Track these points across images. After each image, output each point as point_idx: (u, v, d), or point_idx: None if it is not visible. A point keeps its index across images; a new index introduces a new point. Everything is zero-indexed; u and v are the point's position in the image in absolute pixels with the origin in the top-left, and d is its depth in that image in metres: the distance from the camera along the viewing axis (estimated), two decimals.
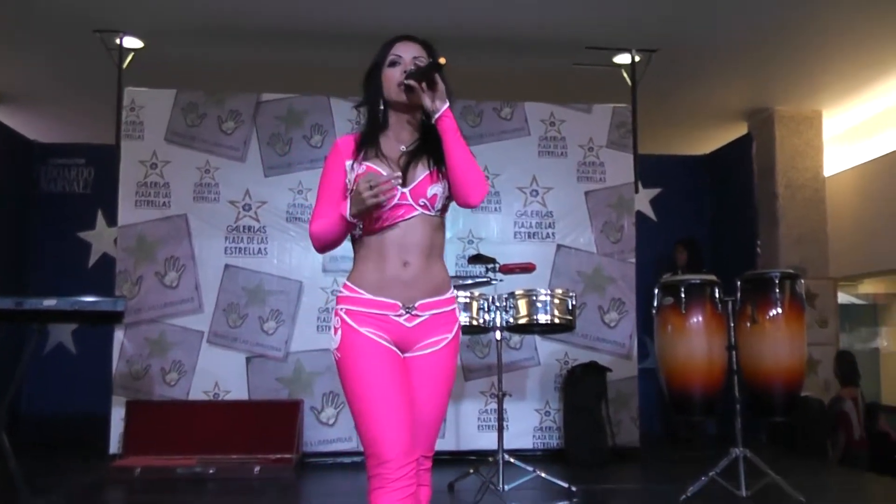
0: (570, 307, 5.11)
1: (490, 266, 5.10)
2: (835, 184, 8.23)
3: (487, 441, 6.11)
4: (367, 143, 2.50)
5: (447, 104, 2.45)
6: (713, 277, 5.04)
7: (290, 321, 6.34)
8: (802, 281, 5.05)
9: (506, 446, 4.95)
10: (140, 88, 6.45)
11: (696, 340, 4.89)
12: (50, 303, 4.45)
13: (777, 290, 4.88)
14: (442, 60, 2.42)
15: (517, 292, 5.05)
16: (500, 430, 4.97)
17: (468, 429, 6.36)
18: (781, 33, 6.35)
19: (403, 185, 2.42)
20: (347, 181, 2.48)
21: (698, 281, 4.96)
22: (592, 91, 7.04)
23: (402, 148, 2.52)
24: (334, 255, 6.37)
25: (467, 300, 4.99)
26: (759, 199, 8.03)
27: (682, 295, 4.88)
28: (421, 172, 2.46)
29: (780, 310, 4.87)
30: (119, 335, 6.20)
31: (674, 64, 6.78)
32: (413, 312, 2.43)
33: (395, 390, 2.34)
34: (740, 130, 8.38)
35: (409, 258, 2.43)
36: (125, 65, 6.41)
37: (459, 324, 2.58)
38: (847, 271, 8.28)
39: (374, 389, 2.34)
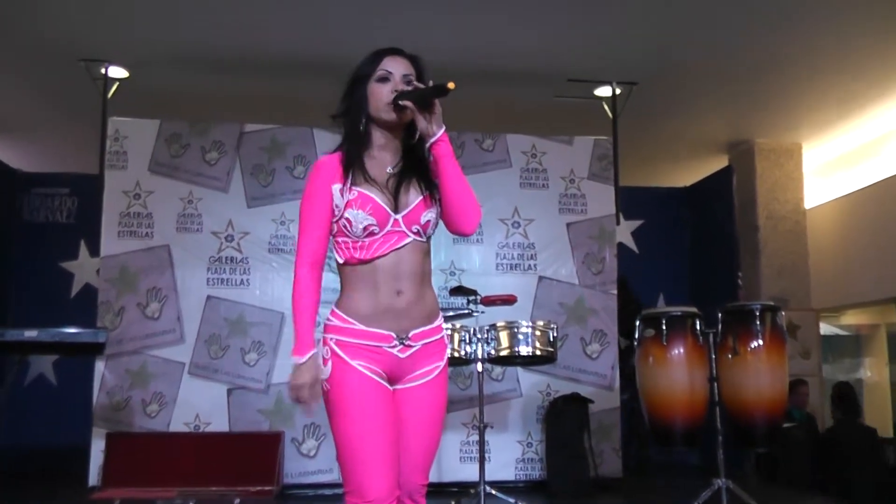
0: (552, 339, 5.12)
1: (472, 298, 5.13)
2: (816, 216, 8.31)
3: (469, 473, 6.02)
4: (353, 165, 2.38)
5: (444, 128, 2.37)
6: (694, 310, 5.08)
7: (272, 353, 6.30)
8: (783, 313, 5.11)
9: (488, 478, 4.95)
10: (124, 118, 6.45)
11: (677, 372, 4.91)
12: (31, 334, 4.44)
13: (758, 322, 4.92)
14: (451, 85, 2.31)
15: (499, 324, 5.06)
16: (482, 461, 4.96)
17: (450, 461, 6.32)
18: (761, 66, 6.45)
19: (396, 210, 2.35)
20: (335, 206, 2.36)
21: (679, 313, 4.99)
22: (574, 123, 7.10)
23: (389, 170, 2.42)
24: None
25: (449, 332, 4.98)
26: (741, 230, 8.07)
27: (664, 327, 4.91)
28: (414, 198, 2.38)
29: (761, 341, 4.92)
30: (100, 366, 6.15)
31: (654, 96, 6.86)
32: (406, 343, 2.36)
33: (383, 430, 2.28)
34: (721, 162, 8.44)
35: (403, 287, 2.35)
36: (110, 94, 6.44)
37: (448, 349, 2.55)
38: (829, 303, 8.34)
39: (362, 428, 2.27)
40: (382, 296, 2.34)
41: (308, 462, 6.20)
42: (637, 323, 5.08)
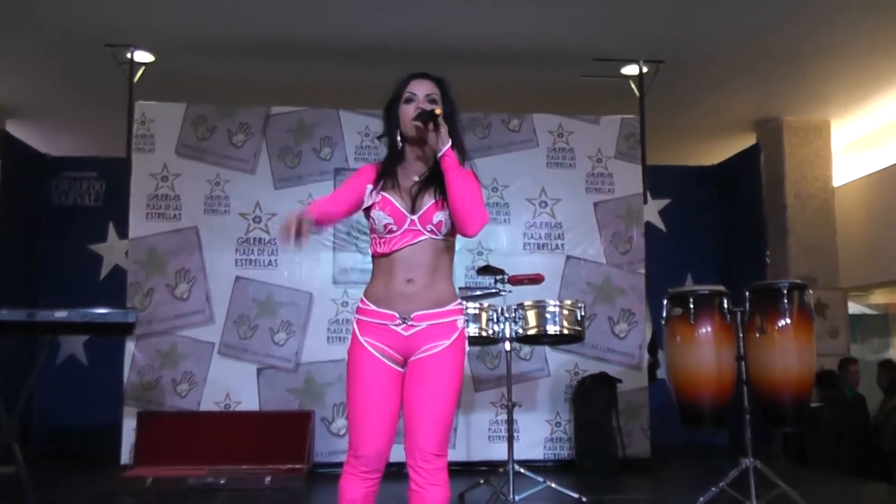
0: (580, 318, 5.10)
1: (499, 277, 5.11)
2: (844, 194, 8.23)
3: (498, 452, 6.09)
4: (386, 174, 2.81)
5: (448, 144, 2.69)
6: (721, 288, 5.02)
7: (301, 332, 6.37)
8: (811, 291, 5.03)
9: (516, 457, 4.94)
10: (150, 102, 6.51)
11: (704, 351, 4.85)
12: (61, 314, 4.50)
13: (785, 301, 4.84)
14: (437, 111, 2.68)
15: (526, 303, 5.04)
16: (511, 440, 4.96)
17: (479, 439, 6.37)
18: (788, 44, 6.38)
19: (412, 212, 2.73)
20: (362, 200, 2.79)
21: (706, 292, 4.94)
22: (600, 102, 7.07)
23: (416, 178, 2.80)
24: (344, 267, 6.45)
25: (476, 311, 4.98)
26: (768, 209, 8.00)
27: (691, 306, 4.85)
28: (427, 201, 2.74)
29: (788, 320, 4.83)
30: (130, 346, 6.24)
31: (681, 75, 6.79)
32: (409, 322, 2.71)
33: (377, 399, 2.69)
34: (749, 141, 8.37)
35: (414, 276, 2.73)
36: (136, 79, 6.47)
37: (462, 334, 2.79)
38: (857, 281, 8.27)
39: (359, 395, 2.71)
40: (395, 282, 2.73)
41: (338, 441, 6.26)
42: (665, 301, 5.06)
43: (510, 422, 5.02)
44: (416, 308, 2.72)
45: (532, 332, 5.01)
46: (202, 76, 6.95)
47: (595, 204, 6.76)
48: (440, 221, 2.73)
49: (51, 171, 7.96)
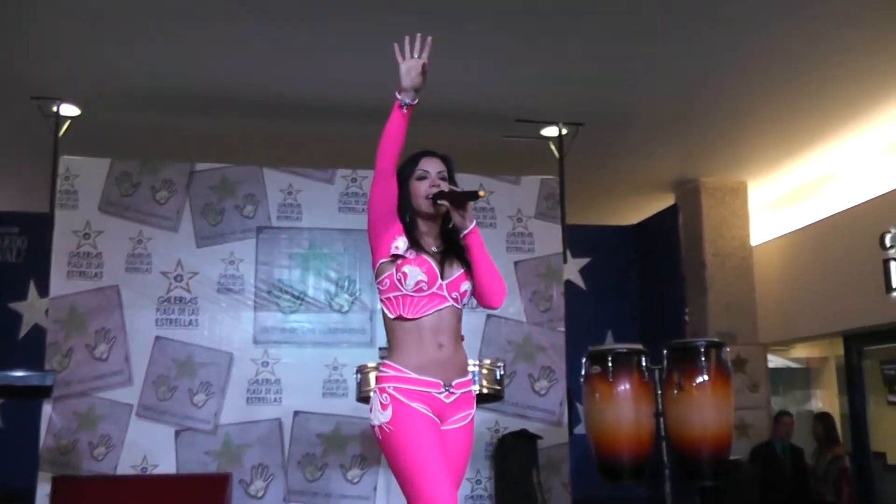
0: (499, 377, 5.15)
1: None
2: (762, 252, 8.46)
3: None
4: (412, 244, 2.80)
5: (475, 223, 2.85)
6: (640, 346, 5.13)
7: (220, 393, 6.27)
8: (728, 349, 5.18)
9: None
10: (75, 157, 6.44)
11: (623, 408, 4.94)
12: None
13: (703, 359, 4.97)
14: (482, 193, 2.79)
15: None
16: None
17: (399, 497, 6.28)
18: (706, 107, 6.61)
19: (442, 277, 2.77)
20: (392, 246, 2.78)
21: (625, 350, 5.05)
22: (521, 163, 7.21)
23: (433, 249, 2.85)
24: (265, 327, 6.41)
25: None
26: (687, 267, 8.17)
27: (610, 364, 4.95)
28: (457, 270, 2.83)
29: (706, 377, 4.96)
30: (47, 409, 6.07)
31: (601, 136, 6.98)
32: (451, 390, 2.77)
33: (445, 457, 2.67)
34: (668, 201, 8.58)
35: (443, 341, 2.76)
36: (61, 132, 6.43)
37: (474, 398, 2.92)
38: (776, 337, 8.47)
39: (431, 454, 2.63)
40: (427, 348, 2.75)
41: (256, 503, 6.16)
42: (584, 360, 5.14)
43: None
44: (453, 376, 2.78)
45: None
46: (129, 130, 6.93)
47: (515, 263, 6.84)
48: (465, 291, 2.83)
49: None
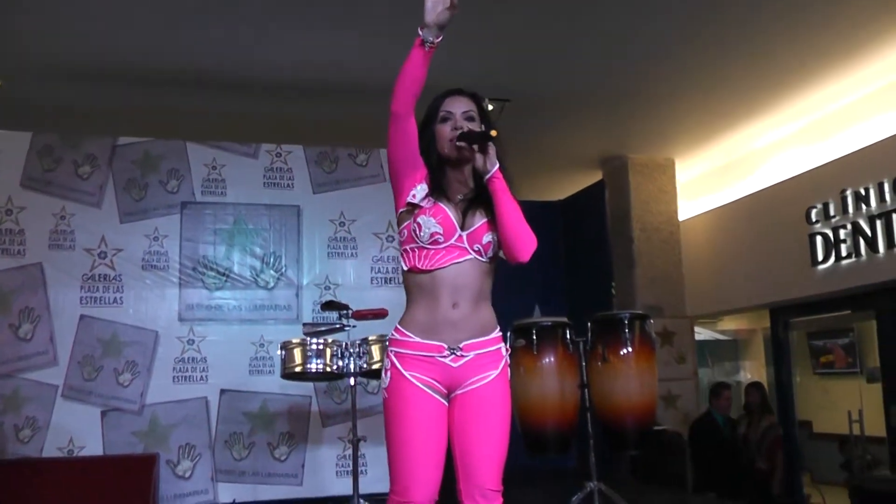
0: None
1: (343, 312, 5.15)
2: (689, 227, 8.61)
3: (345, 486, 6.00)
4: (436, 192, 2.62)
5: (497, 166, 2.58)
6: (564, 319, 5.21)
7: (146, 372, 6.19)
8: (652, 321, 5.29)
9: (363, 491, 4.96)
10: None
11: (548, 380, 5.02)
12: None
13: (627, 331, 5.08)
14: (494, 133, 2.55)
15: (371, 338, 5.08)
16: (356, 474, 4.98)
17: (327, 474, 6.33)
18: (633, 83, 6.65)
19: (462, 228, 2.57)
20: (410, 194, 2.62)
21: (549, 323, 5.12)
22: None
23: (459, 197, 2.65)
24: (190, 304, 6.34)
25: (321, 347, 5.00)
26: (615, 242, 8.31)
27: (534, 337, 5.01)
28: (479, 220, 2.61)
29: (630, 349, 5.07)
30: None
31: (527, 113, 6.97)
32: (458, 353, 2.54)
33: (428, 439, 2.49)
34: (595, 177, 8.67)
35: (459, 300, 2.55)
36: None
37: (507, 362, 2.68)
38: (703, 310, 8.65)
39: (410, 435, 2.49)
40: (440, 308, 2.54)
41: (184, 483, 6.11)
42: (509, 333, 5.18)
43: (355, 456, 5.03)
44: (463, 337, 2.55)
45: (377, 366, 5.03)
46: (51, 103, 6.72)
47: None
48: (489, 242, 2.59)
49: None
